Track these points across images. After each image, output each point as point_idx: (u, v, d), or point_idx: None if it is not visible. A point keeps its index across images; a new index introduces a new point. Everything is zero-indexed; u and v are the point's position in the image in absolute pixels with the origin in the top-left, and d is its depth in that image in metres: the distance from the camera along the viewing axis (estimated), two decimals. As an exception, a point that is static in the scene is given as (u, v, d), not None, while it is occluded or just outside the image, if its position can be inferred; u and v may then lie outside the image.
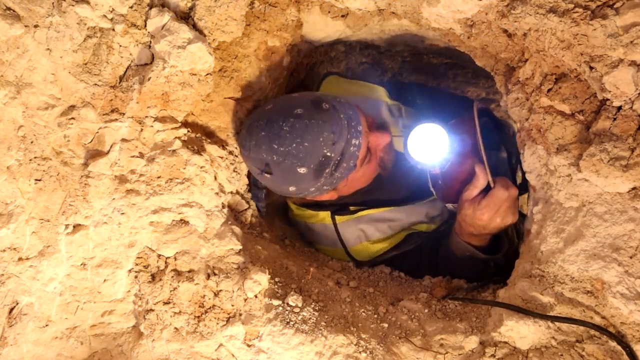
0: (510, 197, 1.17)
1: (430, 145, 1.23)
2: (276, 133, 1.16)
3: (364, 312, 1.14)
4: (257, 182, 1.39)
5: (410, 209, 1.46)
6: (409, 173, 1.48)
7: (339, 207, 1.46)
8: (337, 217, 1.45)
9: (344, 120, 1.20)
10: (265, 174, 1.21)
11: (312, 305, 1.11)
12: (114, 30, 1.11)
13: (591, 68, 0.91)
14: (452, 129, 1.26)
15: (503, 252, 1.28)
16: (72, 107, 1.11)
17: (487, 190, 1.20)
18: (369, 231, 1.44)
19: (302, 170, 1.18)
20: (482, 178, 1.19)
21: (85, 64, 1.11)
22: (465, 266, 1.31)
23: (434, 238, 1.46)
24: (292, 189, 1.24)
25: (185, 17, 1.14)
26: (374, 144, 1.30)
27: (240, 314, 1.07)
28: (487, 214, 1.18)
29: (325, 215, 1.46)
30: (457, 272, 1.32)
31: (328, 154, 1.18)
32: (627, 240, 0.90)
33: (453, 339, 1.04)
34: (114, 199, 1.10)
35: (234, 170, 1.28)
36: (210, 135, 1.25)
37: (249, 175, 1.35)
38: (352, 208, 1.46)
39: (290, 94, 1.32)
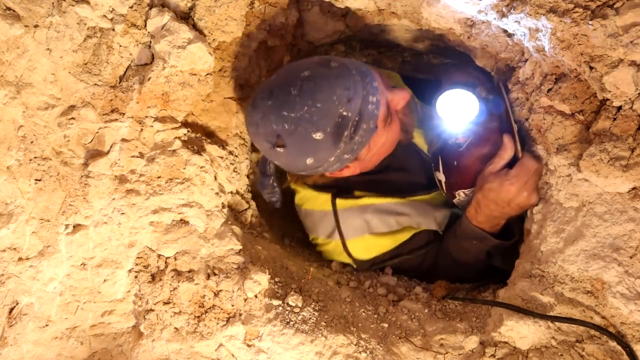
0: (539, 169, 1.08)
1: (460, 109, 1.16)
2: (284, 99, 1.05)
3: (364, 312, 1.14)
4: (266, 168, 1.28)
5: (420, 207, 1.35)
6: (421, 164, 1.42)
7: (341, 189, 1.32)
8: (338, 202, 1.30)
9: (357, 76, 1.08)
10: (278, 148, 1.08)
11: (312, 305, 1.11)
12: (114, 30, 1.11)
13: (591, 68, 0.91)
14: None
15: (514, 240, 1.20)
16: (72, 107, 1.11)
17: (511, 164, 1.12)
18: (373, 222, 1.30)
19: (318, 135, 1.05)
20: (509, 149, 1.10)
21: (85, 64, 1.11)
22: (469, 256, 1.25)
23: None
24: (309, 161, 1.10)
25: (185, 17, 1.14)
26: (394, 102, 1.17)
27: (240, 314, 1.07)
28: (516, 185, 1.08)
29: (325, 199, 1.31)
30: (458, 264, 1.27)
31: (344, 113, 1.05)
32: (627, 240, 0.90)
33: (453, 339, 1.04)
34: (114, 199, 1.10)
35: (234, 170, 1.28)
36: (210, 135, 1.25)
37: (257, 163, 1.26)
38: (357, 193, 1.31)
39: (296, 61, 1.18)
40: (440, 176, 1.29)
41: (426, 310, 1.15)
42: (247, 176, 1.37)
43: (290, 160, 1.13)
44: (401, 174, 1.38)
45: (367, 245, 1.30)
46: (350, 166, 1.19)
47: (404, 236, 1.31)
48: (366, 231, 1.29)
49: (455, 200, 1.29)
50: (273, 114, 1.06)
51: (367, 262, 1.32)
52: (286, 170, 1.27)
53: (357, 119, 1.07)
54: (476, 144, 1.20)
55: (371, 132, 1.12)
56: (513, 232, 1.21)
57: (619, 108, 0.91)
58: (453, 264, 1.29)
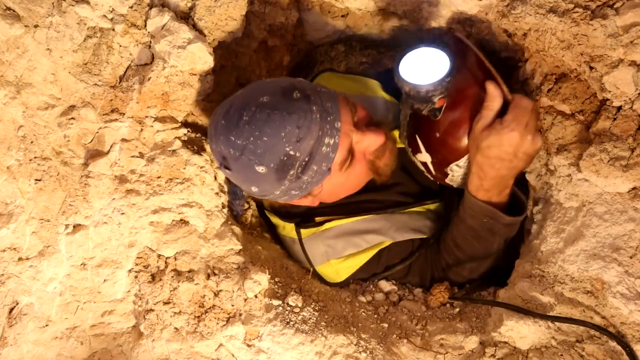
0: (535, 107, 0.96)
1: (429, 68, 0.99)
2: (235, 123, 0.99)
3: (364, 312, 1.14)
4: (237, 191, 1.25)
5: (394, 218, 1.23)
6: (407, 172, 1.29)
7: (304, 217, 1.25)
8: (302, 231, 1.23)
9: (316, 113, 0.99)
10: (225, 169, 1.05)
11: (312, 305, 1.11)
12: (114, 30, 1.11)
13: (591, 68, 0.91)
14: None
15: (525, 211, 1.08)
16: (72, 107, 1.11)
17: (502, 114, 0.98)
18: (337, 246, 1.21)
19: (260, 169, 1.00)
20: (497, 96, 0.97)
21: (85, 64, 1.11)
22: (481, 243, 1.11)
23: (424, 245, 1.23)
24: (254, 189, 1.06)
25: (185, 17, 1.14)
26: (362, 146, 1.08)
27: (240, 314, 1.07)
28: (518, 130, 0.94)
29: (291, 228, 1.25)
30: (468, 257, 1.14)
31: (291, 152, 0.99)
32: (627, 240, 0.90)
33: (453, 339, 1.04)
34: (114, 199, 1.10)
35: (234, 170, 1.27)
36: (210, 135, 1.25)
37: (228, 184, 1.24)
38: (317, 219, 1.23)
39: (269, 78, 1.12)
40: (424, 157, 1.13)
41: (426, 310, 1.15)
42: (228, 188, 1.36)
43: (237, 182, 1.10)
44: (380, 192, 1.25)
45: (335, 270, 1.23)
46: (308, 198, 1.13)
47: (370, 254, 1.21)
48: (331, 256, 1.22)
49: (448, 180, 1.13)
50: (222, 134, 1.01)
51: (342, 283, 1.24)
52: None
53: (306, 159, 1.00)
54: (455, 105, 1.04)
55: (323, 174, 1.05)
56: (522, 203, 1.09)
57: (619, 108, 0.91)
58: (461, 256, 1.15)
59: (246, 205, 1.32)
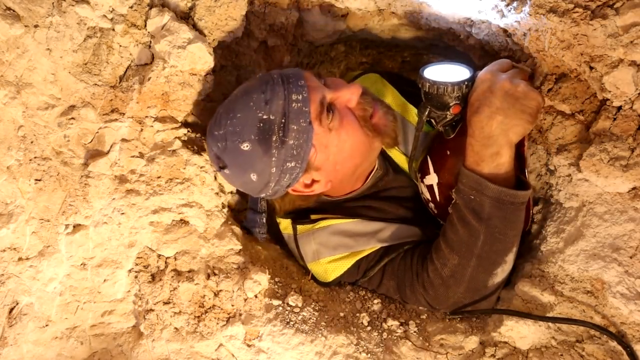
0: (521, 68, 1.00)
1: (450, 77, 1.01)
2: (214, 120, 1.06)
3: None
4: (257, 206, 1.22)
5: (388, 225, 1.19)
6: (404, 195, 1.24)
7: (300, 214, 1.25)
8: (298, 227, 1.23)
9: (277, 78, 1.03)
10: (223, 170, 1.07)
11: (312, 305, 1.11)
12: (114, 30, 1.11)
13: (591, 68, 0.91)
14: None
15: (529, 193, 0.97)
16: (72, 107, 1.11)
17: None
18: (329, 245, 1.18)
19: (245, 145, 1.00)
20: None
21: (85, 64, 1.11)
22: (465, 230, 0.99)
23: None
24: (254, 177, 1.04)
25: (185, 17, 1.14)
26: (342, 100, 1.06)
27: (240, 314, 1.07)
28: (491, 71, 0.97)
29: (287, 224, 1.25)
30: (452, 242, 1.02)
31: (264, 116, 1.00)
32: (627, 240, 0.90)
33: (453, 339, 1.04)
34: (114, 199, 1.10)
35: (234, 170, 1.27)
36: (210, 135, 1.25)
37: (243, 196, 1.25)
38: (313, 216, 1.22)
39: None
40: (431, 179, 1.10)
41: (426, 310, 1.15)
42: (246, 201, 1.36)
43: (240, 181, 1.08)
44: (385, 202, 1.22)
45: (324, 269, 1.20)
46: (318, 179, 1.10)
47: (361, 255, 1.17)
48: (321, 255, 1.20)
49: (450, 209, 1.04)
50: (210, 137, 1.07)
51: (330, 283, 1.21)
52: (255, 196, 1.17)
53: (283, 120, 1.00)
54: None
55: (307, 132, 1.01)
56: (525, 185, 0.98)
57: (619, 108, 0.91)
58: (444, 246, 1.04)
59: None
